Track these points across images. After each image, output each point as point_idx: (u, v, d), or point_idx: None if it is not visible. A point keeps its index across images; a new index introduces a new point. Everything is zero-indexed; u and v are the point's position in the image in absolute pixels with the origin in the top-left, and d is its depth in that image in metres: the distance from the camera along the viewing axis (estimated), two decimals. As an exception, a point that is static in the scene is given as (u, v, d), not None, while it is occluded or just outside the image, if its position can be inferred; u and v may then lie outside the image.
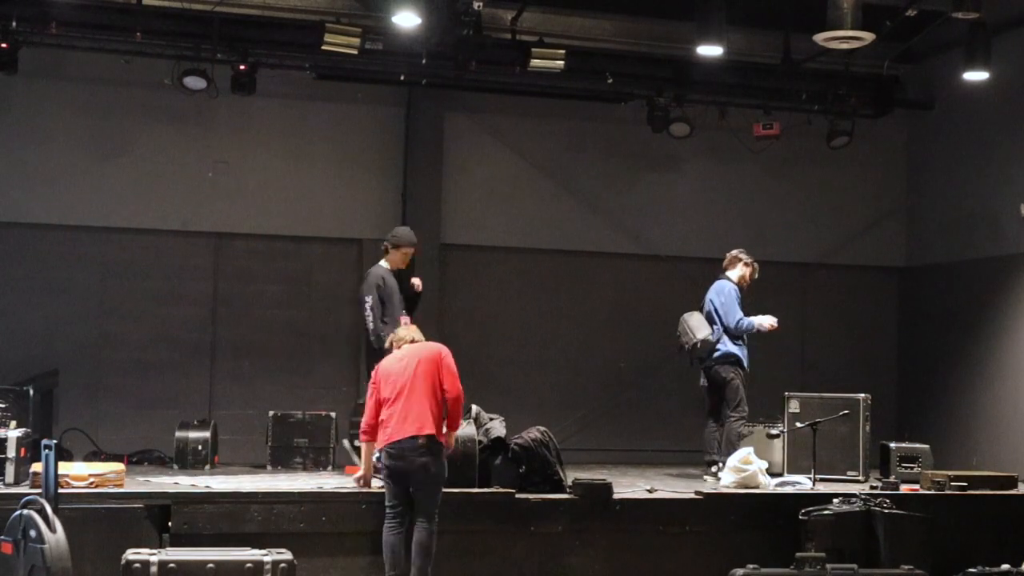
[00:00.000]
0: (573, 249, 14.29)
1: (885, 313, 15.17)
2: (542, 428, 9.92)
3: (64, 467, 8.58)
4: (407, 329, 9.22)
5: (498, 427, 9.89)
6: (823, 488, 10.35)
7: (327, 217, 13.59)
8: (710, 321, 11.21)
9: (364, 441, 9.04)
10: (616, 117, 14.05)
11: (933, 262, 14.58)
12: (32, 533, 7.16)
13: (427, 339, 9.10)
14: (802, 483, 10.57)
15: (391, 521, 8.61)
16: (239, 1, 12.20)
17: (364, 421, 8.88)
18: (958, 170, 14.13)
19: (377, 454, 8.87)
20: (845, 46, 11.11)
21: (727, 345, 11.13)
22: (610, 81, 12.93)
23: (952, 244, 14.22)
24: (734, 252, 11.48)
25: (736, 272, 11.36)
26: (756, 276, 11.51)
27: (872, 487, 10.54)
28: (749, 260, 11.39)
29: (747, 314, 11.19)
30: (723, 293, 11.24)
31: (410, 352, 8.82)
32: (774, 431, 11.66)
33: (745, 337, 11.23)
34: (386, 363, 8.89)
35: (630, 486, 10.37)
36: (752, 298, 13.63)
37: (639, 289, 14.37)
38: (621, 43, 13.36)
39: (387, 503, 8.65)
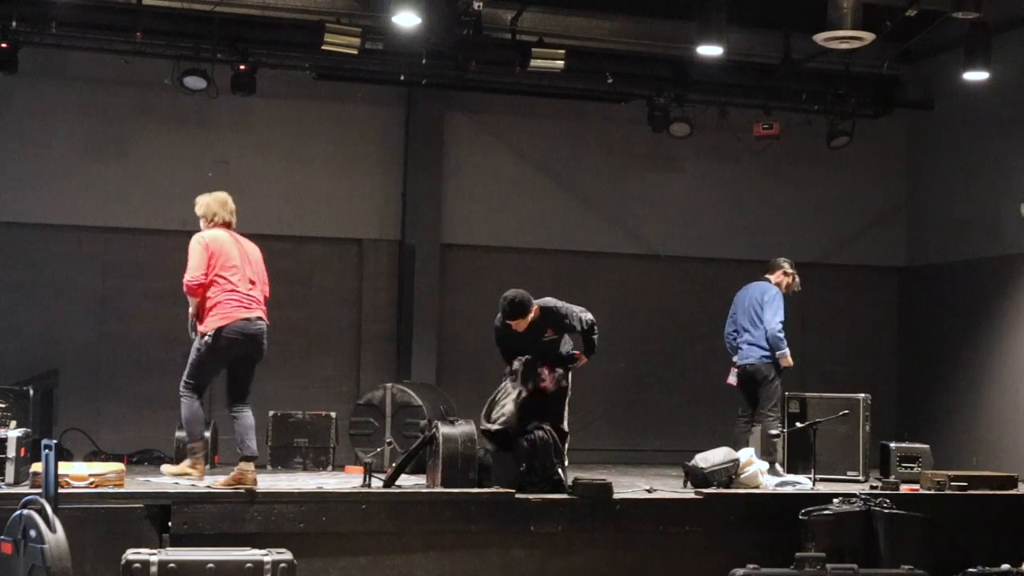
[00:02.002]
0: (573, 249, 14.28)
1: (885, 313, 15.16)
2: (547, 427, 9.90)
3: (64, 467, 8.55)
4: None
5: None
6: (823, 488, 10.32)
7: (327, 217, 13.59)
8: (749, 322, 11.04)
9: None
10: (616, 117, 14.05)
11: (933, 262, 14.58)
12: (32, 533, 7.13)
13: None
14: (802, 483, 10.56)
15: None
16: (239, 1, 12.17)
17: None
18: (958, 170, 14.12)
19: None
20: (845, 46, 11.10)
21: (764, 343, 10.99)
22: (610, 81, 12.93)
23: (952, 244, 14.22)
24: (778, 259, 11.27)
25: (775, 277, 11.17)
26: (797, 289, 11.28)
27: (872, 487, 10.51)
28: (791, 270, 11.21)
29: None
30: (768, 292, 11.01)
31: None
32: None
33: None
34: None
35: (630, 486, 10.34)
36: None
37: (639, 289, 14.35)
38: (621, 43, 13.34)
39: None
